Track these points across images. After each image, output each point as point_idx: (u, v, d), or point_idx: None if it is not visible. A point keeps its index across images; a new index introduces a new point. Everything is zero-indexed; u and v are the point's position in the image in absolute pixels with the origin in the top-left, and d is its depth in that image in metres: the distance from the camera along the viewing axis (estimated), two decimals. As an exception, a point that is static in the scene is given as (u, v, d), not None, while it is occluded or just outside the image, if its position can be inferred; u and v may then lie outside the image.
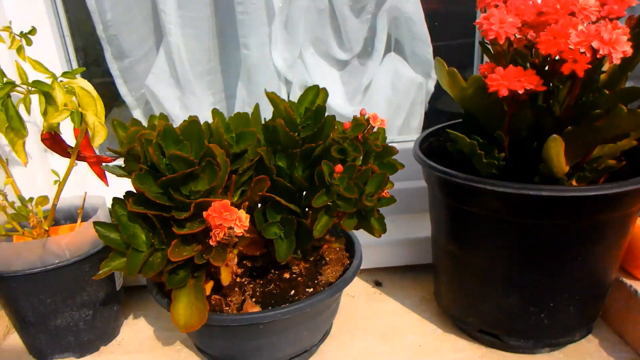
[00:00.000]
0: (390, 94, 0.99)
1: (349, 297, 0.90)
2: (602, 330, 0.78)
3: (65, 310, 0.76)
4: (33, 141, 0.89)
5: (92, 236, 0.76)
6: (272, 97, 0.65)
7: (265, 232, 0.63)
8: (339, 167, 0.57)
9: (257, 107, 0.68)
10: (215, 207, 0.54)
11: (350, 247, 0.77)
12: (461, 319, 0.76)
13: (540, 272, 0.66)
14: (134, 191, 0.60)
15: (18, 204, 0.72)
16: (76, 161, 0.68)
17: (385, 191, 0.60)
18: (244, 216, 0.55)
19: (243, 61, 0.94)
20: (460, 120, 0.78)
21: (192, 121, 0.57)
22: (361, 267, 0.93)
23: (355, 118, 0.61)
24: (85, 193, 0.80)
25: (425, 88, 0.96)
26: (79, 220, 0.80)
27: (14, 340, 0.85)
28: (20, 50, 0.68)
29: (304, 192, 0.68)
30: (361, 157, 0.64)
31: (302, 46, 0.93)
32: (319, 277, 0.72)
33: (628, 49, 0.53)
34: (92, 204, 0.83)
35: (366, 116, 0.61)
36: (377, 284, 0.93)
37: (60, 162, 0.91)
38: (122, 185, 0.71)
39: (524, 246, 0.65)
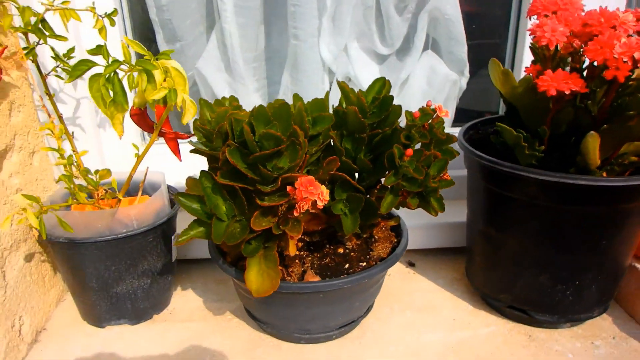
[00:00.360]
0: (426, 88, 1.06)
1: (386, 275, 0.97)
2: (615, 310, 0.87)
3: (127, 278, 0.81)
4: (88, 117, 0.93)
5: (156, 209, 0.81)
6: (343, 86, 0.71)
7: (334, 207, 0.69)
8: (409, 151, 0.64)
9: (327, 94, 0.74)
10: (302, 182, 0.60)
11: (396, 227, 0.83)
12: (493, 296, 0.84)
13: (570, 253, 0.75)
14: (209, 169, 0.65)
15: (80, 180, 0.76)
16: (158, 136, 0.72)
17: (446, 174, 0.67)
18: (325, 191, 0.62)
19: (291, 50, 0.99)
20: (497, 115, 0.86)
21: (283, 104, 0.62)
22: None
23: (422, 108, 0.68)
24: (147, 168, 0.84)
25: (458, 85, 1.04)
26: (139, 193, 0.85)
27: (67, 306, 0.89)
28: (102, 30, 0.72)
29: (364, 174, 0.74)
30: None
31: (348, 39, 0.99)
32: (370, 252, 0.79)
33: (659, 59, 0.62)
34: (150, 180, 0.88)
35: (432, 106, 0.68)
36: (411, 265, 1.00)
37: (112, 141, 0.96)
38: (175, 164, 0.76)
39: (556, 229, 0.73)
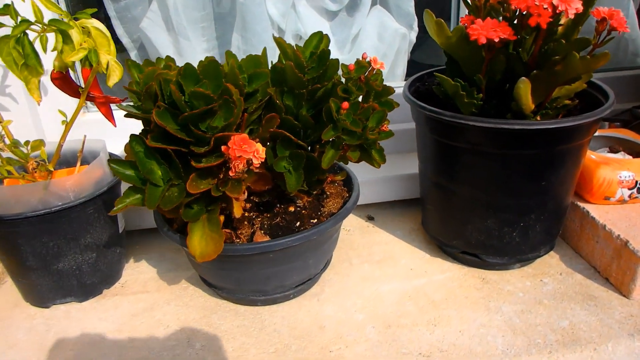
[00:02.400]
0: (377, 43, 1.04)
1: (344, 231, 0.98)
2: (562, 247, 0.90)
3: (69, 254, 0.78)
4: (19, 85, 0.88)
5: (95, 178, 0.78)
6: (280, 42, 0.69)
7: (276, 165, 0.68)
8: (345, 104, 0.63)
9: (264, 51, 0.72)
10: (235, 140, 0.58)
11: (348, 182, 0.83)
12: (446, 243, 0.86)
13: (514, 196, 0.76)
14: (141, 132, 0.63)
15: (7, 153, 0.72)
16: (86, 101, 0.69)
17: (385, 126, 0.66)
18: (261, 149, 0.60)
19: (238, 9, 0.96)
20: (443, 67, 0.85)
21: (211, 61, 0.60)
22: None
23: (358, 61, 0.66)
24: (85, 136, 0.81)
25: (408, 38, 1.03)
26: (78, 163, 0.82)
27: (7, 289, 0.87)
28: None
29: (308, 130, 0.73)
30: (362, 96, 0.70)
31: (295, -5, 0.96)
32: (321, 209, 0.78)
33: (580, 6, 0.63)
34: (90, 148, 0.85)
35: (367, 59, 0.66)
36: (370, 219, 1.01)
37: (49, 111, 0.91)
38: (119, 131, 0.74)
39: (500, 174, 0.75)
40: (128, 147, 0.69)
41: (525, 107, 0.70)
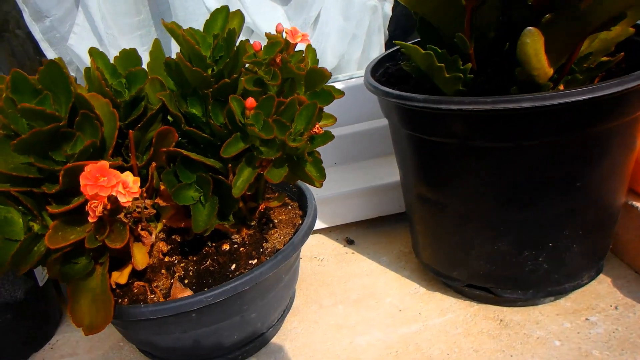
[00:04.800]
0: (342, 23, 0.85)
1: (316, 261, 0.79)
2: (614, 267, 0.67)
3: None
4: None
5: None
6: (171, 27, 0.52)
7: (177, 196, 0.51)
8: (250, 101, 0.45)
9: (156, 42, 0.55)
10: (86, 172, 0.42)
11: (303, 202, 0.65)
12: (445, 274, 0.65)
13: (532, 207, 0.55)
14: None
15: None
16: None
17: (317, 127, 0.47)
18: (131, 180, 0.43)
19: (171, 6, 0.80)
20: (415, 41, 0.65)
21: (51, 63, 0.44)
22: (331, 225, 0.82)
23: (268, 35, 0.48)
24: None
25: (381, 12, 0.83)
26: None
27: None
28: None
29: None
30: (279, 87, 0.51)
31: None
32: (264, 244, 0.60)
33: None
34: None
35: (283, 32, 0.48)
36: (349, 242, 0.82)
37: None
38: None
39: (507, 177, 0.54)
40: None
41: (537, 71, 0.49)
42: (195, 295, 0.52)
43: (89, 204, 0.42)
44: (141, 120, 0.51)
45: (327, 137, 0.48)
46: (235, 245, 0.61)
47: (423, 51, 0.52)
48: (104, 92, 0.47)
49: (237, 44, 0.51)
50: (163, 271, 0.58)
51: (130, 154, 0.51)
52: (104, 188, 0.42)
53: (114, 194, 0.42)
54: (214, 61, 0.52)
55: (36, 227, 0.48)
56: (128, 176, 0.43)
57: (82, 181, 0.42)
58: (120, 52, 0.51)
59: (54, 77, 0.44)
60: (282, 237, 0.61)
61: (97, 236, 0.47)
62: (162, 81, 0.53)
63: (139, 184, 0.44)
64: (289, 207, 0.66)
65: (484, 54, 0.55)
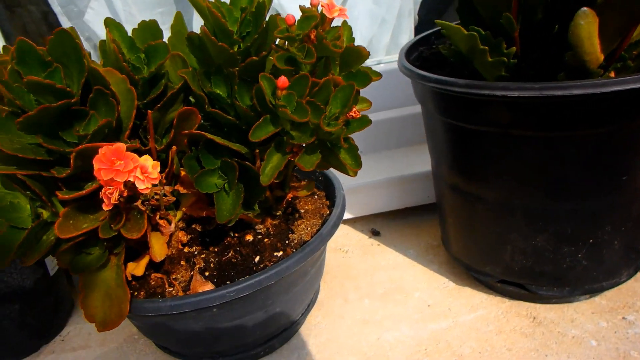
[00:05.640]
0: (372, 6, 0.79)
1: (341, 252, 0.73)
2: (654, 264, 0.61)
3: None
4: None
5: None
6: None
7: (200, 183, 0.44)
8: (283, 80, 0.38)
9: (178, 15, 0.49)
10: (101, 155, 0.35)
11: (331, 191, 0.59)
12: (476, 269, 0.59)
13: (575, 201, 0.49)
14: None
15: None
16: None
17: (355, 110, 0.41)
18: (150, 164, 0.37)
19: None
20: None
21: (61, 31, 0.37)
22: (356, 215, 0.76)
23: (302, 8, 0.41)
24: None
25: (413, -5, 0.77)
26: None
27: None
28: None
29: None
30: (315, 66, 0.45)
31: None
32: (290, 235, 0.54)
33: None
34: None
35: (319, 6, 0.41)
36: (375, 234, 0.75)
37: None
38: None
39: (550, 168, 0.48)
40: None
41: (589, 57, 0.42)
42: (217, 290, 0.46)
43: (103, 190, 0.36)
44: (161, 99, 0.45)
45: (364, 122, 0.42)
46: (259, 236, 0.55)
47: (466, 32, 0.46)
48: (120, 67, 0.41)
49: (267, 18, 0.45)
50: (182, 262, 0.52)
51: (148, 137, 0.45)
52: (121, 173, 0.35)
53: (131, 179, 0.36)
54: (241, 37, 0.46)
55: (45, 214, 0.42)
56: (147, 160, 0.37)
57: (96, 165, 0.36)
58: (139, 24, 0.44)
59: (65, 47, 0.37)
60: (309, 228, 0.55)
61: (112, 225, 0.42)
62: (184, 58, 0.46)
63: (158, 169, 0.38)
64: (315, 196, 0.60)
65: (528, 37, 0.48)
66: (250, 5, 0.46)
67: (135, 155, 0.36)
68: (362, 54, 0.42)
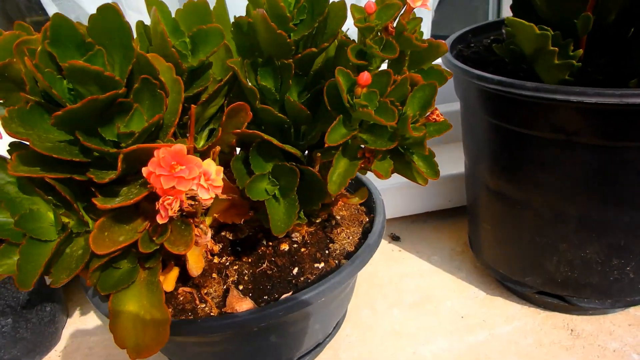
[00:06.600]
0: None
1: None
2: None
3: (-31, 325, 0.51)
4: None
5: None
6: (240, -22, 0.39)
7: (251, 190, 0.38)
8: (366, 77, 0.33)
9: (218, -2, 0.41)
10: (159, 159, 0.29)
11: (367, 198, 0.53)
12: (513, 279, 0.55)
13: (633, 213, 0.46)
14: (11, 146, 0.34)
15: None
16: None
17: (438, 113, 0.36)
18: (213, 169, 0.31)
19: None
20: (492, 21, 0.55)
21: (107, 7, 0.30)
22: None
23: (382, -4, 0.36)
24: None
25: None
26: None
27: None
28: None
29: (301, 127, 0.43)
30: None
31: None
32: (330, 245, 0.49)
33: None
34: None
35: (400, -7, 0.36)
36: (395, 239, 0.70)
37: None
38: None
39: (613, 178, 0.44)
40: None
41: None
42: (264, 309, 0.40)
43: (161, 201, 0.29)
44: (204, 92, 0.38)
45: (444, 126, 0.36)
46: (295, 245, 0.49)
47: (538, 31, 0.42)
48: (167, 53, 0.34)
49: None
50: (214, 275, 0.46)
51: (188, 135, 0.38)
52: (184, 181, 0.29)
53: (194, 188, 0.29)
54: (294, 25, 0.39)
55: (71, 222, 0.35)
56: (210, 165, 0.30)
57: (152, 169, 0.29)
58: (185, 4, 0.37)
59: (109, 27, 0.30)
60: (350, 238, 0.49)
61: (155, 238, 0.35)
62: (228, 46, 0.40)
63: (222, 176, 0.31)
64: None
65: (596, 40, 0.45)
66: (306, -11, 0.40)
67: (199, 159, 0.30)
68: (440, 49, 0.37)
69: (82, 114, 0.29)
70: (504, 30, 0.46)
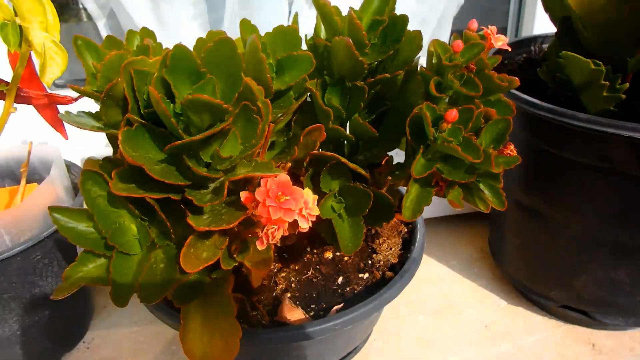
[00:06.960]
0: (414, 6, 0.76)
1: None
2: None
3: (9, 317, 0.52)
4: None
5: (43, 208, 0.51)
6: (322, 4, 0.40)
7: (320, 208, 0.40)
8: (453, 114, 0.35)
9: (296, 17, 0.43)
10: (267, 189, 0.31)
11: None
12: (538, 292, 0.60)
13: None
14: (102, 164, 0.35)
15: None
16: (15, 104, 0.41)
17: (511, 147, 0.39)
18: (311, 199, 0.33)
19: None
20: (524, 37, 0.59)
21: (222, 39, 0.31)
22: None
23: (467, 34, 0.38)
24: (31, 143, 0.54)
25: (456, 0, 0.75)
26: (23, 182, 0.54)
27: None
28: None
29: (360, 145, 0.46)
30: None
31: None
32: (373, 255, 0.52)
33: None
34: (41, 157, 0.57)
35: (481, 32, 0.38)
36: (413, 243, 0.74)
37: None
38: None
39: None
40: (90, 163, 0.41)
41: None
42: (322, 322, 0.43)
43: (265, 230, 0.32)
44: (283, 113, 0.40)
45: (514, 160, 0.40)
46: (339, 253, 0.52)
47: (593, 66, 0.45)
48: (261, 79, 0.35)
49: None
50: (264, 282, 0.48)
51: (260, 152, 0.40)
52: (291, 212, 0.31)
53: (296, 216, 0.32)
54: (369, 48, 0.41)
55: (156, 238, 0.37)
56: (309, 194, 0.33)
57: (261, 199, 0.31)
58: (274, 28, 0.39)
59: (221, 57, 0.32)
60: (392, 248, 0.52)
61: (236, 255, 0.37)
62: (304, 67, 0.41)
63: (316, 203, 0.34)
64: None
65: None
66: (380, 15, 0.42)
67: (301, 189, 0.32)
68: (512, 84, 0.40)
69: (190, 144, 0.31)
70: (532, 48, 0.50)
